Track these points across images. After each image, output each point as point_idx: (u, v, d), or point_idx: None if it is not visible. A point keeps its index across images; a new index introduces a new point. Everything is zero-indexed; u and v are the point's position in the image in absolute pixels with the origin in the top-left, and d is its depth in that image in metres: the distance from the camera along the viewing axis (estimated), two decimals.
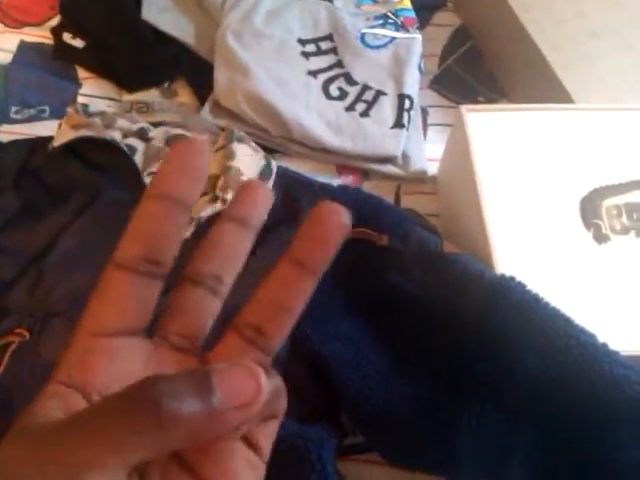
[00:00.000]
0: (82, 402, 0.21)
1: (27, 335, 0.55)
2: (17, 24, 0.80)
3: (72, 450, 0.18)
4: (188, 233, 0.59)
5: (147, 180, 0.64)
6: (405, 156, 0.74)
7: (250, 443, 0.24)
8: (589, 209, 0.57)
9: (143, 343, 0.24)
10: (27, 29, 0.80)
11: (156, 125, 0.69)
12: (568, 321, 0.48)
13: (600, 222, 0.57)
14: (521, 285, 0.50)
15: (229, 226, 0.25)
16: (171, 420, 0.18)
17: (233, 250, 0.25)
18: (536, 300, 0.49)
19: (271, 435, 0.25)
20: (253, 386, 0.20)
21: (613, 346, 0.47)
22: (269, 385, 0.20)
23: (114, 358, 0.23)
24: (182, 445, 0.19)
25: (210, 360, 0.25)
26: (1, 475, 0.18)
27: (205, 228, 0.59)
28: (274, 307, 0.25)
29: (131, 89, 0.76)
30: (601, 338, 0.47)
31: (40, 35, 0.80)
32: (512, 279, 0.50)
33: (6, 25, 0.80)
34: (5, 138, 0.69)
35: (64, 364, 0.22)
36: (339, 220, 0.24)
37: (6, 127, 0.72)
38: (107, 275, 0.23)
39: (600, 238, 0.56)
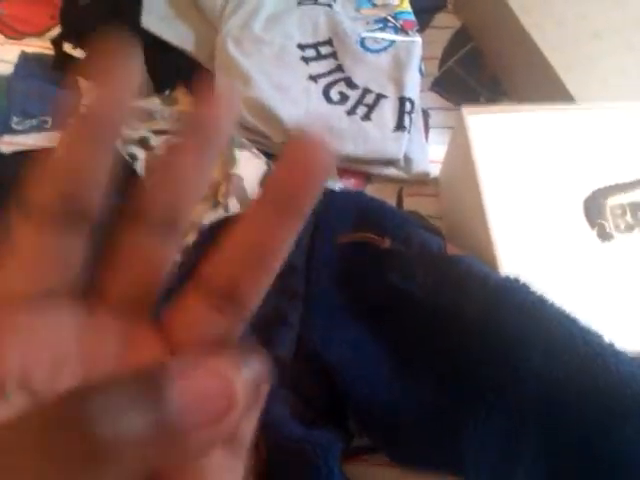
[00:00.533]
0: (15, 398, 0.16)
1: None
2: (17, 35, 0.80)
3: None
4: (190, 241, 0.59)
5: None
6: (407, 159, 0.74)
7: (228, 442, 0.19)
8: (593, 209, 0.57)
9: (71, 308, 0.18)
10: (28, 40, 0.81)
11: (158, 133, 0.69)
12: (574, 321, 0.47)
13: (604, 222, 0.57)
14: (526, 286, 0.49)
15: (183, 149, 0.19)
16: (110, 449, 0.13)
17: (189, 178, 0.19)
18: (541, 301, 0.48)
19: (251, 426, 0.20)
20: (223, 396, 0.15)
21: (619, 345, 0.47)
22: (247, 381, 0.16)
23: (31, 331, 0.17)
24: (130, 477, 0.14)
25: (166, 329, 0.20)
26: None
27: (207, 236, 0.59)
28: (248, 262, 0.19)
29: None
30: (607, 338, 0.47)
31: (41, 46, 0.80)
32: (516, 280, 0.50)
33: (6, 36, 0.81)
34: (7, 149, 0.69)
35: None
36: (322, 151, 0.18)
37: (8, 138, 0.72)
38: (15, 225, 0.18)
39: (604, 237, 0.56)
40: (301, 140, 0.18)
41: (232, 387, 0.15)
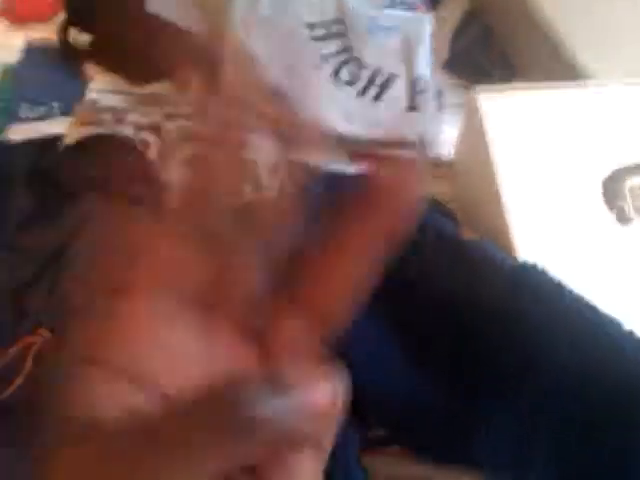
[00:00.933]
0: (137, 393, 0.18)
1: (49, 335, 0.55)
2: (23, 22, 0.79)
3: (165, 458, 0.16)
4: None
5: (161, 174, 0.63)
6: (420, 140, 0.73)
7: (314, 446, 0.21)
8: (612, 190, 0.56)
9: (190, 313, 0.20)
10: (33, 26, 0.79)
11: (169, 117, 0.69)
12: (593, 309, 0.47)
13: (623, 203, 0.56)
14: (543, 273, 0.49)
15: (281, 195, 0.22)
16: (251, 427, 0.16)
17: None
18: (559, 288, 0.48)
19: (334, 435, 0.21)
20: (330, 397, 0.18)
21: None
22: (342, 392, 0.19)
23: (159, 334, 0.19)
24: (263, 453, 0.17)
25: (271, 343, 0.21)
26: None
27: None
28: (343, 295, 0.21)
29: (141, 81, 0.75)
30: (627, 324, 0.46)
31: (46, 32, 0.79)
32: (534, 266, 0.49)
33: (12, 23, 0.79)
34: (16, 137, 0.68)
35: (97, 345, 0.18)
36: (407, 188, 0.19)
37: (17, 126, 0.72)
38: (143, 231, 0.19)
39: (624, 220, 0.55)
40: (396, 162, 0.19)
41: (337, 389, 0.18)
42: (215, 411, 0.16)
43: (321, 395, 0.18)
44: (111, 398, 0.18)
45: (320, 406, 0.18)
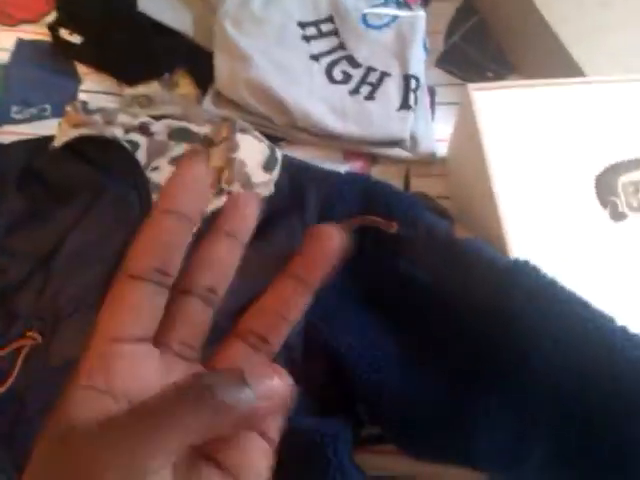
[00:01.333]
0: (113, 405, 0.23)
1: (39, 338, 0.55)
2: (13, 21, 0.79)
3: (138, 441, 0.20)
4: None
5: (151, 175, 0.63)
6: (413, 138, 0.72)
7: (263, 435, 0.25)
8: (605, 186, 0.56)
9: (153, 350, 0.25)
10: (23, 26, 0.79)
11: (158, 118, 0.68)
12: (585, 305, 0.46)
13: (616, 199, 0.55)
14: (535, 270, 0.48)
15: (220, 241, 0.26)
16: (224, 407, 0.21)
17: (225, 264, 0.27)
18: (552, 285, 0.47)
19: (280, 428, 0.26)
20: (280, 382, 0.23)
21: (633, 329, 0.46)
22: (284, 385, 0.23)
23: (133, 363, 0.24)
24: (227, 430, 0.23)
25: (215, 365, 0.27)
26: (65, 474, 0.20)
27: (210, 222, 0.58)
28: (275, 317, 0.27)
29: (131, 82, 0.75)
30: (620, 321, 0.46)
31: (37, 32, 0.78)
32: (526, 263, 0.49)
33: (2, 23, 0.79)
34: (7, 139, 0.68)
35: (86, 369, 0.23)
36: (335, 243, 0.26)
37: (7, 128, 0.71)
38: (122, 284, 0.24)
39: (617, 216, 0.55)
40: (320, 233, 0.26)
41: (284, 375, 0.23)
42: (192, 391, 0.22)
43: (273, 386, 0.23)
44: (86, 404, 0.22)
45: (274, 395, 0.23)
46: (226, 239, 0.26)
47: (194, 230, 0.25)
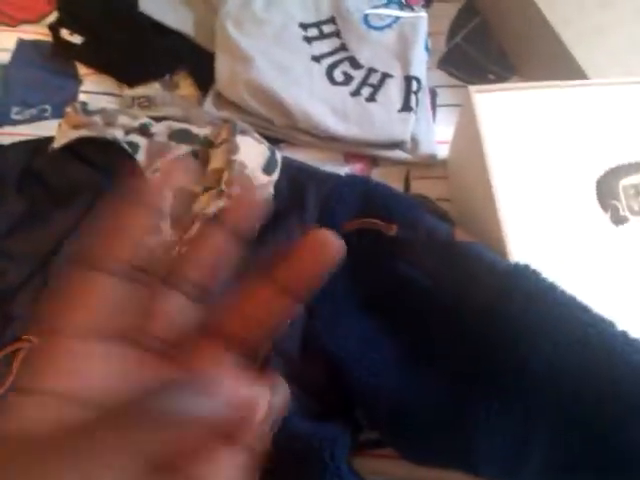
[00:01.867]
0: (58, 410, 0.21)
1: (36, 341, 0.55)
2: (14, 22, 0.79)
3: (88, 456, 0.19)
4: (194, 231, 0.58)
5: (151, 177, 0.62)
6: (414, 140, 0.72)
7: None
8: (606, 190, 0.55)
9: (120, 347, 0.23)
10: (24, 27, 0.79)
11: (158, 120, 0.68)
12: (585, 309, 0.46)
13: (617, 203, 0.55)
14: (535, 273, 0.48)
15: (219, 235, 0.25)
16: (175, 420, 0.19)
17: (217, 260, 0.25)
18: (552, 289, 0.47)
19: (266, 436, 0.24)
20: (247, 396, 0.21)
21: (633, 334, 0.45)
22: (261, 393, 0.22)
23: (91, 361, 0.22)
24: (190, 442, 0.20)
25: (192, 365, 0.25)
26: None
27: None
28: (257, 323, 0.25)
29: (131, 83, 0.75)
30: (620, 326, 0.46)
31: (38, 32, 0.78)
32: (526, 267, 0.49)
33: (2, 23, 0.79)
34: (7, 140, 0.68)
35: (39, 370, 0.22)
36: (331, 251, 0.24)
37: (8, 129, 0.71)
38: (80, 277, 0.22)
39: (618, 220, 0.54)
40: (312, 239, 0.24)
41: (251, 390, 0.21)
42: (126, 411, 0.20)
43: (242, 395, 0.21)
44: (41, 415, 0.21)
45: (244, 403, 0.21)
46: (222, 236, 0.25)
47: (158, 222, 0.24)
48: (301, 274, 0.24)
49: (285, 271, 0.24)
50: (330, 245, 0.24)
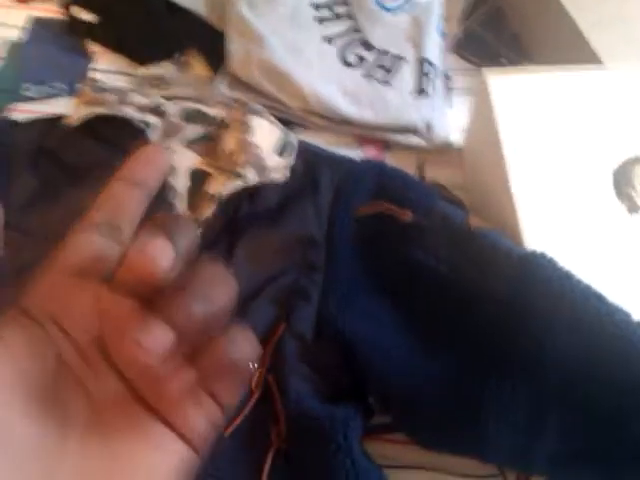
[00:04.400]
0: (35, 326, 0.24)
1: None
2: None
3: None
4: (210, 212, 0.58)
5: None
6: (428, 126, 0.72)
7: (213, 395, 0.25)
8: (622, 179, 0.55)
9: (96, 287, 0.25)
10: (36, 4, 0.78)
11: (171, 99, 0.68)
12: (601, 299, 0.46)
13: (633, 192, 0.55)
14: (552, 262, 0.48)
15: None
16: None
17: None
18: (567, 278, 0.47)
19: (235, 395, 0.26)
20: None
21: None
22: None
23: (73, 293, 0.25)
24: None
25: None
26: None
27: (225, 207, 0.58)
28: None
29: (143, 62, 0.74)
30: (636, 316, 0.46)
31: (49, 9, 0.78)
32: (542, 256, 0.49)
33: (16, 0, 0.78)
34: (21, 117, 0.67)
35: (33, 293, 0.26)
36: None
37: (21, 106, 0.71)
38: (76, 232, 0.27)
39: (634, 209, 0.54)
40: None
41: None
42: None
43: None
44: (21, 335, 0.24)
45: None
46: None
47: (148, 195, 0.27)
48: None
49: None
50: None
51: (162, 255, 0.23)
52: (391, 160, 0.70)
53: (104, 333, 0.24)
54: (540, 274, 0.48)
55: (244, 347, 0.24)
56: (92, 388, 0.24)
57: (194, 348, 0.24)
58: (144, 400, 0.24)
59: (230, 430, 0.49)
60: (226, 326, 0.24)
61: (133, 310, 0.23)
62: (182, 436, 0.24)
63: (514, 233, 0.53)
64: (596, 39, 0.68)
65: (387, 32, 0.78)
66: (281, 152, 0.63)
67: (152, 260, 0.22)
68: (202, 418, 0.25)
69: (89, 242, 0.26)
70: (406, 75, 0.74)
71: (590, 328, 0.45)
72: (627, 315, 0.45)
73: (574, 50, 0.70)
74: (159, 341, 0.22)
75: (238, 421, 0.49)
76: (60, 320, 0.25)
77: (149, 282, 0.23)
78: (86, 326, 0.25)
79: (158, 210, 0.26)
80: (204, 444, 0.25)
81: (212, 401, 0.25)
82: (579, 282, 0.47)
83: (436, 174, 0.70)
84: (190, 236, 0.24)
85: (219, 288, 0.24)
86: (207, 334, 0.24)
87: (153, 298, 0.23)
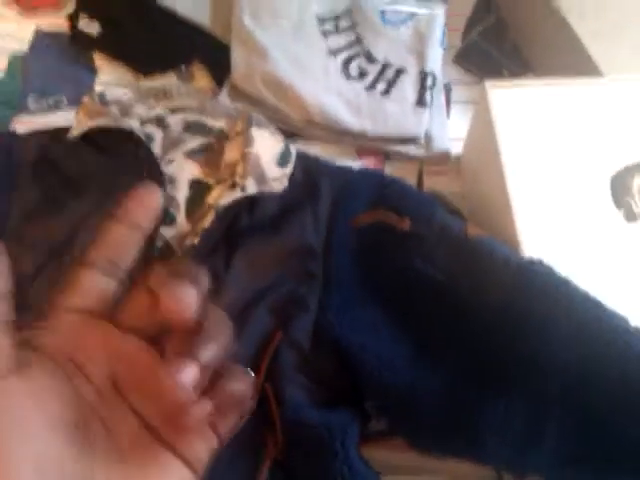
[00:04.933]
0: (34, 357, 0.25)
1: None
2: (32, 11, 0.79)
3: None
4: (208, 222, 0.59)
5: (165, 168, 0.63)
6: (427, 136, 0.72)
7: (212, 426, 0.27)
8: (620, 187, 0.55)
9: (105, 326, 0.27)
10: (42, 17, 0.79)
11: (174, 111, 0.68)
12: (598, 305, 0.46)
13: (631, 200, 0.55)
14: (549, 269, 0.48)
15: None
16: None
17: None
18: (565, 284, 0.47)
19: (232, 428, 0.28)
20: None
21: None
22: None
23: (84, 332, 0.27)
24: None
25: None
26: None
27: (223, 217, 0.58)
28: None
29: (147, 74, 0.75)
30: (633, 322, 0.46)
31: (56, 22, 0.79)
32: (540, 263, 0.49)
33: (21, 12, 0.79)
34: (24, 129, 0.68)
35: (46, 333, 0.27)
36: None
37: (25, 117, 0.72)
38: (77, 270, 0.27)
39: (631, 217, 0.54)
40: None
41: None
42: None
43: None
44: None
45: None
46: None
47: (142, 237, 0.28)
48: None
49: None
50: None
51: (192, 300, 0.24)
52: (391, 170, 0.71)
53: (117, 370, 0.26)
54: (538, 281, 0.48)
55: (243, 384, 0.26)
56: (109, 422, 0.26)
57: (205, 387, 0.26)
58: (156, 431, 0.26)
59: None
60: (226, 363, 0.26)
61: (140, 347, 0.26)
62: (187, 462, 0.26)
63: (512, 241, 0.53)
64: (596, 50, 0.69)
65: (390, 45, 0.79)
66: (281, 163, 0.63)
67: (186, 305, 0.24)
68: (204, 446, 0.27)
69: (93, 281, 0.27)
70: (407, 87, 0.75)
71: (588, 334, 0.45)
72: (625, 321, 0.45)
73: (575, 62, 0.71)
74: (188, 374, 0.24)
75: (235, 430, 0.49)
76: (75, 359, 0.26)
77: (179, 325, 0.25)
78: (99, 364, 0.26)
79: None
80: (204, 468, 0.27)
81: (211, 432, 0.27)
82: (577, 289, 0.47)
83: (435, 184, 0.70)
84: (206, 284, 0.26)
85: (225, 330, 0.26)
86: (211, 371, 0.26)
87: (158, 337, 0.26)
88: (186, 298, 0.24)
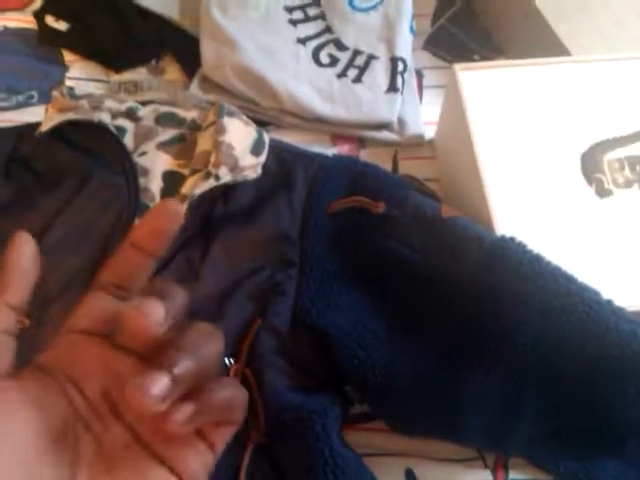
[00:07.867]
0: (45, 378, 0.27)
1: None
2: None
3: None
4: (182, 211, 0.58)
5: (138, 160, 0.62)
6: (401, 121, 0.73)
7: (205, 440, 0.28)
8: (590, 164, 0.56)
9: (102, 342, 0.28)
10: (9, 14, 0.79)
11: (145, 104, 0.68)
12: (571, 279, 0.47)
13: (602, 176, 0.55)
14: (521, 245, 0.49)
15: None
16: None
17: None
18: (537, 260, 0.48)
19: (224, 438, 0.29)
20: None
21: (618, 302, 0.46)
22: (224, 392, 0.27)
23: (81, 349, 0.28)
24: None
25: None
26: None
27: (196, 206, 0.58)
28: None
29: (118, 69, 0.75)
30: (605, 295, 0.46)
31: (23, 20, 0.78)
32: (512, 240, 0.49)
33: None
34: None
35: (49, 352, 0.28)
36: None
37: None
38: (90, 294, 0.29)
39: (602, 193, 0.55)
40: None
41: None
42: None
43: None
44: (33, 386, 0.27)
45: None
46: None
47: (152, 263, 0.29)
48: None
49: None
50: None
51: (154, 312, 0.25)
52: (366, 156, 0.71)
53: (109, 385, 0.27)
54: (510, 257, 0.48)
55: (231, 391, 0.27)
56: (101, 435, 0.27)
57: (188, 394, 0.26)
58: (148, 445, 0.27)
59: None
60: (217, 375, 0.27)
61: (132, 365, 0.27)
62: (179, 477, 0.27)
63: (486, 221, 0.54)
64: (564, 30, 0.70)
65: (360, 32, 0.79)
66: (255, 151, 0.63)
67: (145, 317, 0.25)
68: (196, 461, 0.28)
69: (100, 304, 0.29)
70: (379, 73, 0.75)
71: (561, 307, 0.46)
72: (596, 294, 0.46)
73: (543, 43, 0.71)
74: (156, 385, 0.24)
75: None
76: (71, 374, 0.27)
77: (142, 336, 0.25)
78: (94, 379, 0.27)
79: None
80: None
81: (205, 445, 0.28)
82: (549, 264, 0.47)
83: (410, 168, 0.70)
84: (180, 300, 0.27)
85: (207, 343, 0.26)
86: (198, 382, 0.26)
87: (150, 356, 0.26)
88: (146, 309, 0.25)
